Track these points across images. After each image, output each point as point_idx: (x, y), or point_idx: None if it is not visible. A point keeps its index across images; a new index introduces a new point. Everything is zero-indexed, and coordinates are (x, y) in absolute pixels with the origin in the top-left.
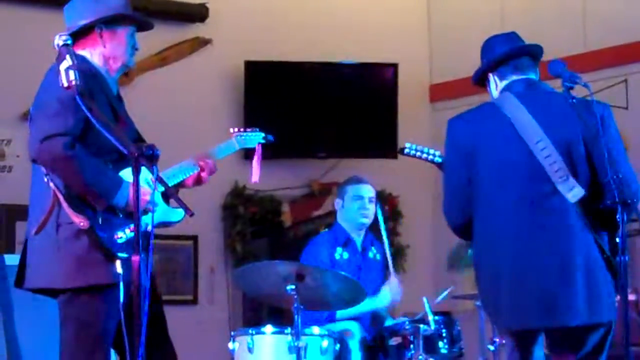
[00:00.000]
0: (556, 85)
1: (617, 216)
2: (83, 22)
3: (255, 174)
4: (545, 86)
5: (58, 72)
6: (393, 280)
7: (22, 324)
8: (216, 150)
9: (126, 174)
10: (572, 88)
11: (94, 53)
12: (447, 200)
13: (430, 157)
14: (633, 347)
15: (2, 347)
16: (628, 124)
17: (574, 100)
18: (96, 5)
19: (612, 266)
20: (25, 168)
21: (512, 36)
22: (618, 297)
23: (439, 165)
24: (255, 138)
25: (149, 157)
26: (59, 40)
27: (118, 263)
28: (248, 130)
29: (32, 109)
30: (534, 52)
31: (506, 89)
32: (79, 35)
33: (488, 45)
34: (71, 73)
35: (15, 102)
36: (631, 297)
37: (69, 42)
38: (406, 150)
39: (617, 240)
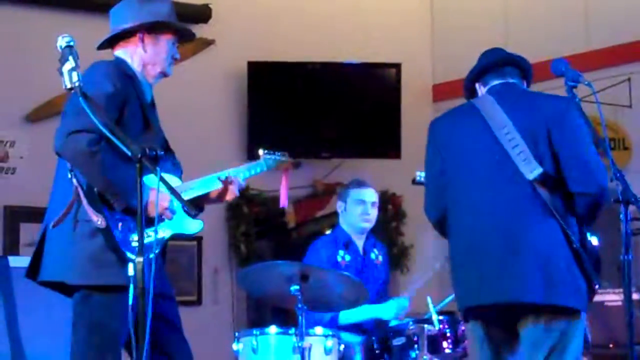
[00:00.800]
0: (559, 84)
1: (621, 215)
2: (126, 25)
3: (284, 199)
4: (521, 87)
5: (98, 71)
6: (403, 299)
7: (26, 324)
8: (243, 169)
9: (151, 178)
10: (575, 87)
11: (134, 57)
12: (426, 196)
13: None
14: (638, 346)
15: (6, 347)
16: (631, 122)
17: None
18: (141, 11)
19: (579, 257)
20: (29, 170)
21: (499, 50)
22: (621, 298)
23: None
24: (283, 162)
25: (151, 158)
26: (61, 42)
27: (131, 266)
28: (277, 152)
29: (66, 105)
30: (517, 63)
31: (487, 91)
32: (121, 38)
33: (480, 57)
34: (74, 75)
35: (19, 104)
36: (635, 296)
37: (72, 43)
38: (417, 179)
39: (585, 231)
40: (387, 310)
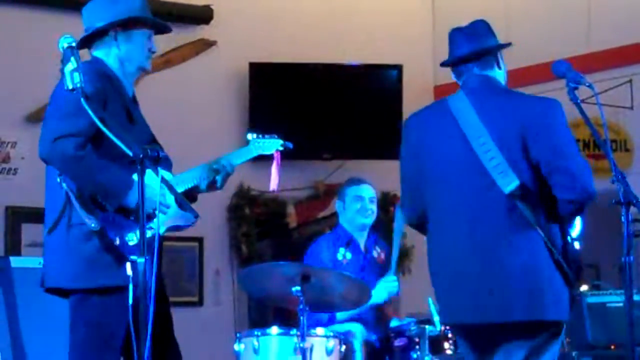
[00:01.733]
0: (560, 85)
1: (622, 217)
2: (99, 24)
3: (274, 182)
4: (497, 84)
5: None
6: (390, 276)
7: (28, 325)
8: (232, 155)
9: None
10: (576, 88)
11: (110, 55)
12: (401, 197)
13: None
14: (639, 348)
15: (8, 347)
16: (633, 124)
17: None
18: (112, 8)
19: (561, 267)
20: (31, 170)
21: (477, 30)
22: (622, 299)
23: None
24: (273, 145)
25: (153, 159)
26: (63, 43)
27: (128, 265)
28: (266, 135)
29: (47, 109)
30: (491, 50)
31: (462, 86)
32: (96, 37)
33: (452, 39)
34: (76, 75)
35: (20, 104)
36: (636, 297)
37: (73, 44)
38: None
39: (569, 239)
40: (379, 294)
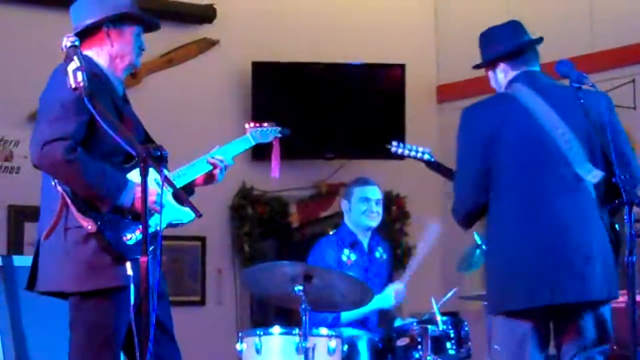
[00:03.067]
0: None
1: (625, 217)
2: (90, 21)
3: (276, 169)
4: (548, 78)
5: (64, 73)
6: (399, 284)
7: (30, 324)
8: (231, 146)
9: (133, 175)
10: (579, 88)
11: (100, 53)
12: (461, 188)
13: (419, 154)
14: None
15: (10, 347)
16: (636, 124)
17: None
18: (102, 4)
19: (615, 252)
20: (33, 169)
21: (519, 27)
22: (625, 299)
23: (428, 163)
24: (271, 133)
25: (156, 158)
26: (66, 42)
27: (128, 265)
28: (264, 124)
29: (38, 113)
30: (537, 45)
31: (514, 80)
32: (86, 34)
33: (496, 34)
34: (79, 74)
35: (23, 103)
36: (639, 297)
37: (76, 43)
38: (393, 149)
39: (617, 226)
40: (386, 299)
